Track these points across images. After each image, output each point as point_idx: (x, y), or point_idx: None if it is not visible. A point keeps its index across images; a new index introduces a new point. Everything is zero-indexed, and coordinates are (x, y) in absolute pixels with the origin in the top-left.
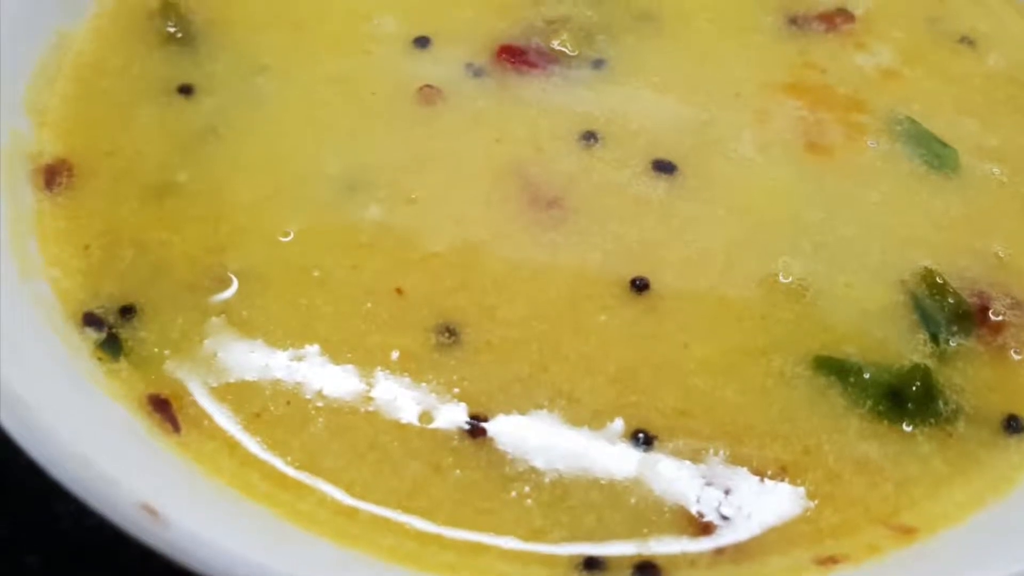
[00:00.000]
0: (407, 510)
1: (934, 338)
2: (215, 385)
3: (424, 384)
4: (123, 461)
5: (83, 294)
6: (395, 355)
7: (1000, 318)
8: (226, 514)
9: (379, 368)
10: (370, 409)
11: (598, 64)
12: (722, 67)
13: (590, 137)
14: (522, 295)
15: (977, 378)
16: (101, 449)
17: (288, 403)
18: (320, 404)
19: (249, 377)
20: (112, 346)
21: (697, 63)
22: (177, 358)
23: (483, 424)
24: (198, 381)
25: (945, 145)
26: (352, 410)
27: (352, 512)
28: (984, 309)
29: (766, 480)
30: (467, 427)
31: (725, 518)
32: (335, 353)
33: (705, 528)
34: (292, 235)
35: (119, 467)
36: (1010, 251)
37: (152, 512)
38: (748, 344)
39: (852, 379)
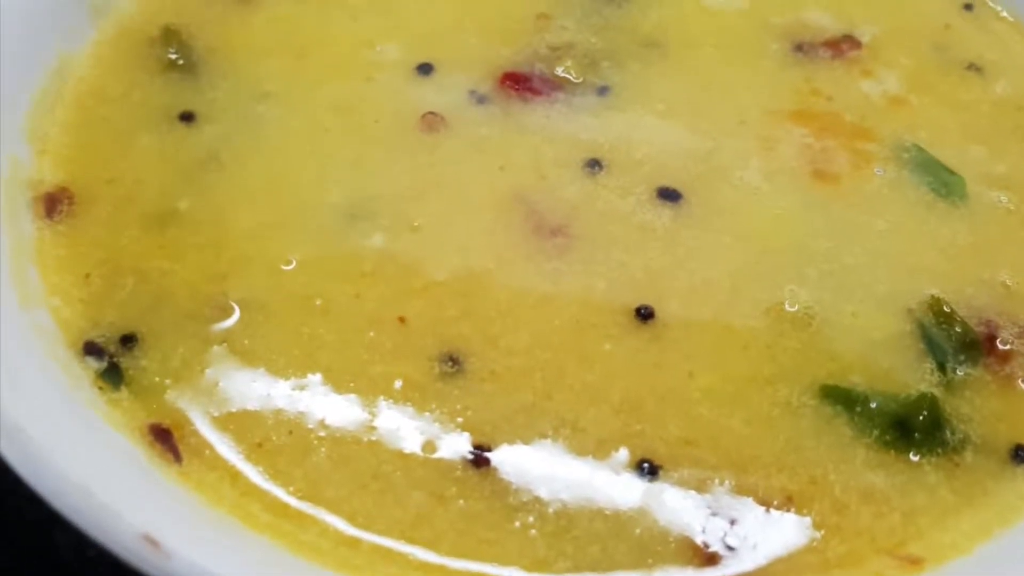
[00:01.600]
0: (410, 540)
1: (941, 367)
2: (217, 414)
3: (427, 413)
4: (124, 491)
5: (84, 323)
6: (398, 384)
7: (1008, 347)
8: (228, 544)
9: (382, 397)
10: (373, 439)
11: (602, 91)
12: (727, 94)
13: (594, 164)
14: (526, 324)
15: (985, 407)
16: (102, 479)
17: (290, 433)
18: (322, 434)
19: (251, 406)
20: (113, 375)
21: (702, 90)
22: (178, 387)
23: (487, 454)
24: (199, 410)
25: (952, 173)
26: (355, 440)
27: (355, 542)
28: (991, 338)
29: (772, 510)
30: (470, 457)
31: (731, 548)
32: (337, 382)
33: (710, 559)
34: (294, 263)
35: (120, 497)
36: (1018, 280)
37: (153, 543)
38: (754, 373)
39: (858, 408)
